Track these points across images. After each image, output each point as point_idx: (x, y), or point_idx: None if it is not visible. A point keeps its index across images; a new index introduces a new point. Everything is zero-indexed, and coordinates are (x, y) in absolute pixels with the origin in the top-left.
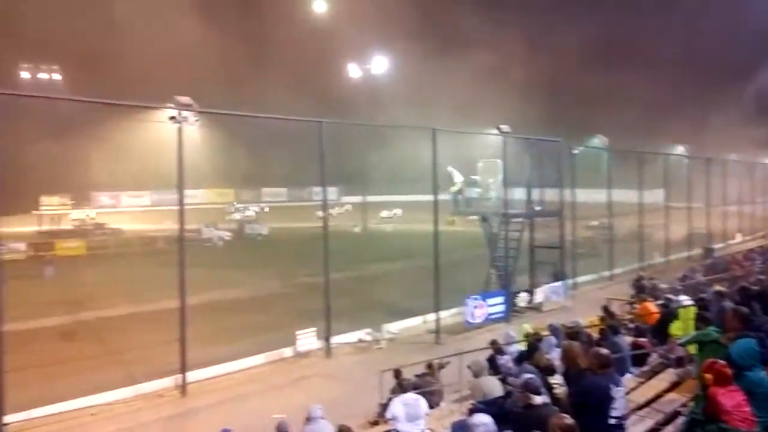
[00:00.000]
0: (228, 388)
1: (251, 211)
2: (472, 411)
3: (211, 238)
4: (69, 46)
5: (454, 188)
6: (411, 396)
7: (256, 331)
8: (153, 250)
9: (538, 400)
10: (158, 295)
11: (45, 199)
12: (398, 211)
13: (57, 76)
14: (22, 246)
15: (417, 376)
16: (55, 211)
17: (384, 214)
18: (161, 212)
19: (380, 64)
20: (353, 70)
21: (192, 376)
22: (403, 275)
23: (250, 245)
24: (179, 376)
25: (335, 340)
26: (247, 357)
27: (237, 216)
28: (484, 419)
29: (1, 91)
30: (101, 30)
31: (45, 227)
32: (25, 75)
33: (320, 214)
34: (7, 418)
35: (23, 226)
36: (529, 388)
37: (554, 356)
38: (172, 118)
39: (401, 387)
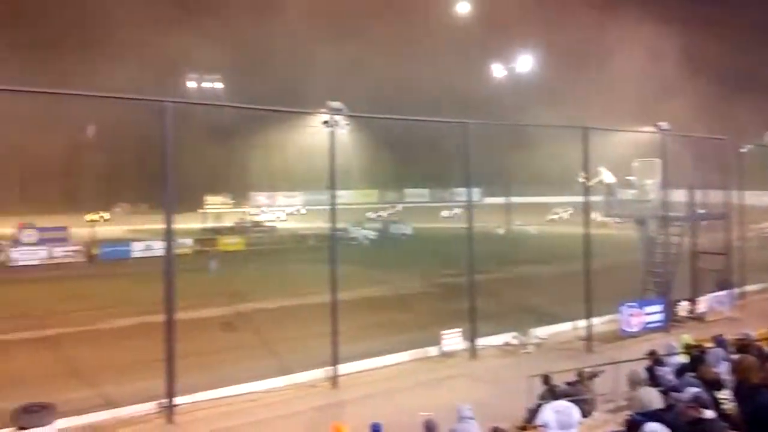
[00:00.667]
0: (376, 383)
1: (384, 213)
2: (631, 422)
3: (358, 237)
4: (229, 57)
5: (593, 183)
6: (563, 403)
7: (402, 328)
8: (304, 247)
9: (708, 414)
10: (310, 290)
11: (209, 199)
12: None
13: (219, 85)
14: (189, 241)
15: (567, 383)
16: (218, 210)
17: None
18: (313, 212)
19: (525, 62)
20: (497, 70)
21: (342, 369)
22: (550, 279)
23: (395, 245)
24: (330, 368)
25: (480, 341)
26: (394, 354)
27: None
28: (655, 428)
29: (178, 99)
30: (259, 41)
31: (209, 224)
32: (191, 84)
33: (445, 214)
34: (177, 400)
35: (190, 223)
36: (700, 402)
37: (722, 370)
38: (325, 122)
39: (552, 393)
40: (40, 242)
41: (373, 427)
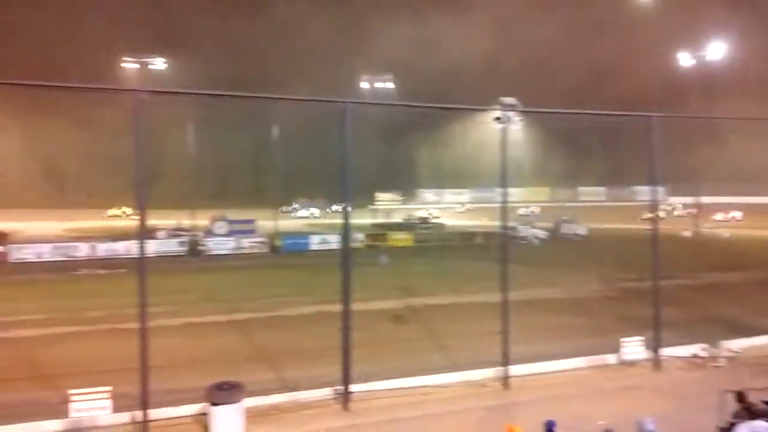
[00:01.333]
0: (548, 387)
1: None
2: None
3: (527, 237)
4: (400, 56)
5: None
6: (761, 424)
7: (577, 333)
8: (472, 244)
9: None
10: (478, 287)
11: (379, 195)
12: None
13: (390, 85)
14: (360, 236)
15: (766, 402)
16: (388, 206)
17: (718, 216)
18: (481, 209)
19: (717, 50)
20: (684, 59)
21: (514, 370)
22: (745, 287)
23: (567, 245)
24: (501, 368)
25: (665, 352)
26: (568, 359)
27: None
28: None
29: (357, 100)
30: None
31: (379, 220)
32: (364, 85)
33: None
34: (352, 388)
35: (361, 218)
36: None
37: None
38: (498, 118)
39: (748, 412)
40: (231, 233)
41: (547, 424)
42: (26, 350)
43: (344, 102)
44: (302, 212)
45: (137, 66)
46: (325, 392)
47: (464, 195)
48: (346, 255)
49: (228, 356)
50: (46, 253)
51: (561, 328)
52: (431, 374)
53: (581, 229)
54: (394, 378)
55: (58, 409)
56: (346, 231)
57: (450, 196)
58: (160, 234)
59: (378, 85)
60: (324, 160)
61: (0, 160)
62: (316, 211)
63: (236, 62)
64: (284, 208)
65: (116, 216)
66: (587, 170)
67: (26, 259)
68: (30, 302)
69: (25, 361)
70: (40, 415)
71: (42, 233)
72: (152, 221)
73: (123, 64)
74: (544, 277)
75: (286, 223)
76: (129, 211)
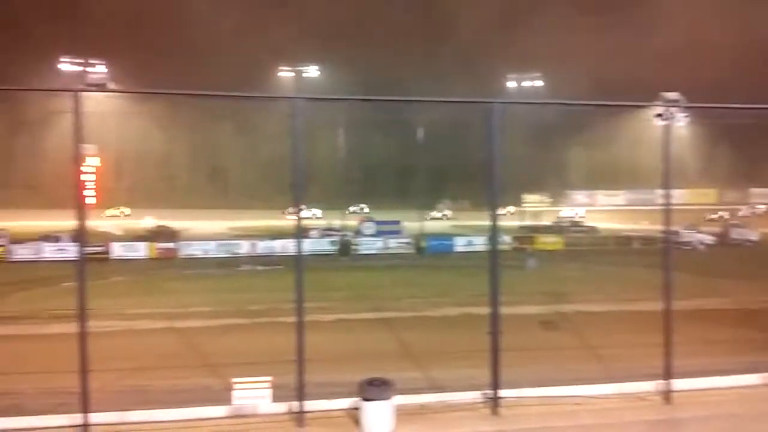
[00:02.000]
0: (716, 404)
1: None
2: None
3: (691, 242)
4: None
5: None
6: None
7: (751, 347)
8: (628, 249)
9: None
10: (637, 295)
11: (527, 197)
12: None
13: (539, 83)
14: (507, 238)
15: None
16: (536, 208)
17: None
18: (638, 212)
19: None
20: None
21: (677, 384)
22: None
23: (737, 252)
24: (663, 382)
25: None
26: (741, 374)
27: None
28: None
29: (505, 100)
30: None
31: (526, 222)
32: (511, 84)
33: None
34: (501, 392)
35: (508, 220)
36: None
37: None
38: (659, 115)
39: None
40: (378, 234)
41: None
42: (193, 340)
43: (491, 102)
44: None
45: (292, 74)
46: (474, 395)
47: (619, 197)
48: (493, 257)
49: (377, 353)
50: (211, 249)
51: (732, 342)
52: (584, 384)
53: (753, 235)
54: (545, 385)
55: (222, 396)
56: (493, 232)
57: (603, 197)
58: (313, 233)
59: (526, 83)
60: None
61: (172, 164)
62: (448, 213)
63: (383, 66)
64: (428, 213)
65: (114, 216)
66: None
67: (194, 254)
68: (197, 295)
69: (192, 350)
70: (205, 400)
71: (208, 231)
72: (308, 222)
73: (280, 73)
74: (711, 285)
75: (432, 225)
76: (127, 211)
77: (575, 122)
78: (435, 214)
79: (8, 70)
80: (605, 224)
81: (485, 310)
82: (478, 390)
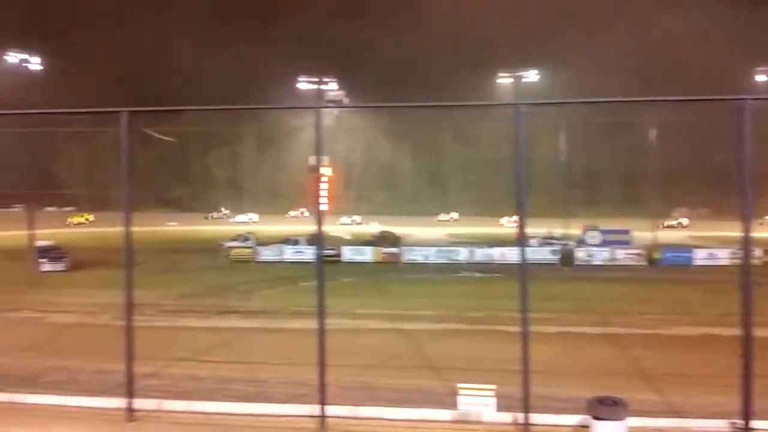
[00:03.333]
0: None
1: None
2: None
3: None
4: None
5: None
6: None
7: None
8: None
9: None
10: None
11: None
12: None
13: None
14: (758, 252)
15: None
16: None
17: None
18: None
19: None
20: None
21: None
22: None
23: None
24: None
25: None
26: None
27: None
28: None
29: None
30: None
31: None
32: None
33: None
34: (755, 424)
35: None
36: None
37: None
38: None
39: None
40: (604, 244)
41: None
42: (417, 341)
43: (741, 99)
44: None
45: (511, 80)
46: (720, 423)
47: None
48: (745, 272)
49: (604, 370)
50: (432, 255)
51: None
52: None
53: None
54: None
55: (446, 400)
56: (746, 244)
57: None
58: (533, 242)
59: None
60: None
61: (396, 172)
62: (684, 221)
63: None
64: (661, 222)
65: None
66: None
67: (415, 260)
68: (419, 299)
69: (416, 352)
70: (430, 402)
71: (427, 237)
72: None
73: (498, 79)
74: None
75: (665, 235)
76: (91, 218)
77: None
78: (670, 222)
79: (252, 91)
80: None
81: (731, 332)
82: (725, 419)
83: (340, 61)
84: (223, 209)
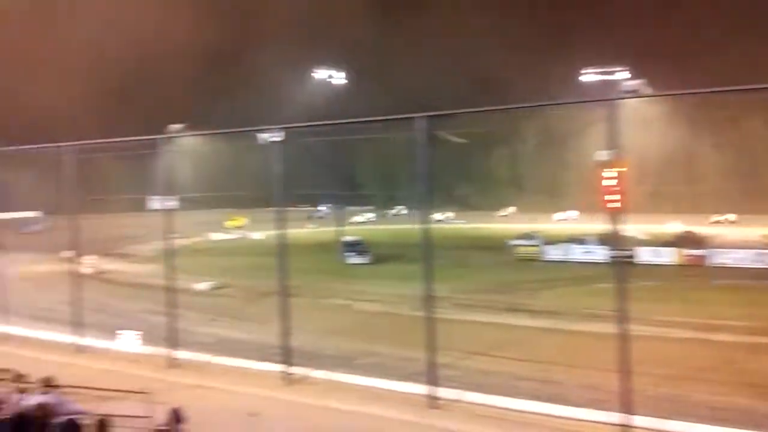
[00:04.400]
0: None
1: None
2: None
3: None
4: None
5: None
6: None
7: None
8: None
9: None
10: None
11: None
12: None
13: None
14: None
15: None
16: None
17: None
18: None
19: None
20: None
21: None
22: None
23: None
24: None
25: None
26: None
27: None
28: None
29: None
30: None
31: None
32: None
33: None
34: None
35: None
36: None
37: None
38: None
39: None
40: None
41: None
42: (729, 355)
43: None
44: None
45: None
46: None
47: None
48: None
49: None
50: (746, 258)
51: None
52: None
53: None
54: None
55: (761, 421)
56: None
57: None
58: None
59: None
60: None
61: (698, 166)
62: None
63: None
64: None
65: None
66: None
67: (725, 263)
68: (730, 307)
69: (729, 366)
70: (748, 423)
71: (737, 239)
72: None
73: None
74: None
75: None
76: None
77: None
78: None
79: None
80: None
81: None
82: None
83: (635, 51)
84: (509, 208)
